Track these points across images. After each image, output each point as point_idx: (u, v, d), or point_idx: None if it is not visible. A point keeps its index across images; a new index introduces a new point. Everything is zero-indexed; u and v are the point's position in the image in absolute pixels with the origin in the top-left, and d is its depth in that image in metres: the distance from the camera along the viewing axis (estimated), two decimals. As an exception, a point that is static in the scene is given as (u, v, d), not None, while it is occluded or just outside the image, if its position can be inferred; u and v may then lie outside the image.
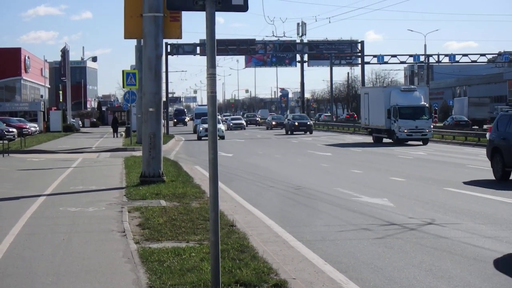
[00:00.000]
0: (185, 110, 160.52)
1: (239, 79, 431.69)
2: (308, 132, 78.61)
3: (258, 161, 36.04)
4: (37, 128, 77.56)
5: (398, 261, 12.20)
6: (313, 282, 10.29)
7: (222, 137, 59.40)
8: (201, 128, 61.91)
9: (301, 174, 28.96)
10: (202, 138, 60.22)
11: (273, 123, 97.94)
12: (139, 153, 30.79)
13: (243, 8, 9.62)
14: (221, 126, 63.32)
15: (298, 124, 78.86)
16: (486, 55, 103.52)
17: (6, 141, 45.12)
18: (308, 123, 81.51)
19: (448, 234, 14.69)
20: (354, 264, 11.88)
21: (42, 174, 27.50)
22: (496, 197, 20.63)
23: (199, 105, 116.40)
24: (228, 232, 13.30)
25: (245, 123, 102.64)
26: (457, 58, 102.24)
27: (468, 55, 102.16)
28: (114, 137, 66.52)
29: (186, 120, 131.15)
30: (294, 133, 77.68)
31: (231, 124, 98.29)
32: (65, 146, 49.31)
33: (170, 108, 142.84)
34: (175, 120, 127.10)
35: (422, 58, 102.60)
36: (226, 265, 10.37)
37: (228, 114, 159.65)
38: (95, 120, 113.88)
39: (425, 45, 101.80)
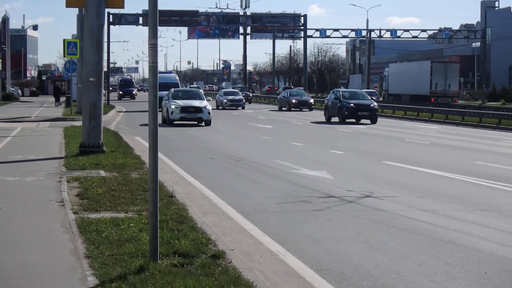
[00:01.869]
0: (133, 80, 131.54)
1: (181, 51, 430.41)
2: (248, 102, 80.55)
3: (200, 133, 35.99)
4: (-25, 96, 76.37)
5: (336, 233, 12.29)
6: (251, 253, 10.31)
7: (208, 122, 42.00)
8: (173, 107, 42.47)
9: (242, 146, 29.03)
10: (175, 123, 42.10)
11: (293, 101, 69.02)
12: (79, 123, 30.49)
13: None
14: (207, 104, 43.33)
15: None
16: (427, 31, 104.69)
17: None
18: (250, 96, 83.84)
19: (386, 207, 14.83)
20: (293, 236, 11.93)
21: (-20, 143, 27.10)
22: (434, 171, 20.89)
23: (160, 72, 74.79)
24: (167, 203, 13.25)
25: (244, 100, 75.25)
26: (399, 33, 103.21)
27: (410, 31, 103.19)
28: (56, 105, 65.90)
29: (134, 92, 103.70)
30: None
31: (225, 101, 71.45)
32: (3, 115, 48.59)
33: (112, 79, 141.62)
34: (121, 93, 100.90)
35: (364, 33, 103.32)
36: (165, 235, 10.34)
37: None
38: (35, 89, 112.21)
39: (367, 20, 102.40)
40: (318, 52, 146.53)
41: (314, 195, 16.24)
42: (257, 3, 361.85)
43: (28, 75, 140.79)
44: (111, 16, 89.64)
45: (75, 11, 54.99)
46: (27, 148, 25.20)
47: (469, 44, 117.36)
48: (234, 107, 71.24)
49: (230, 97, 73.06)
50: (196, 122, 42.39)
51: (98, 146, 22.76)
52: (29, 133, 32.90)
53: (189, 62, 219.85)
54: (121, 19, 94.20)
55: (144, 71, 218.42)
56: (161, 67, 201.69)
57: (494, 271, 9.93)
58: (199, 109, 42.05)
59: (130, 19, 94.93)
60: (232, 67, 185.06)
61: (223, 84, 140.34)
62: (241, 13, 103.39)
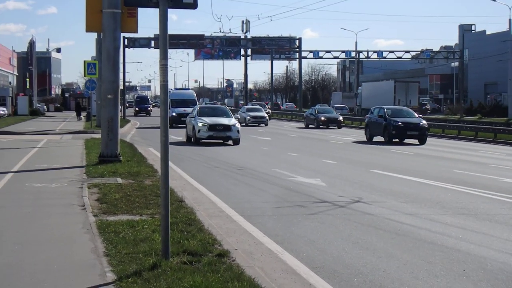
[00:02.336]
0: (148, 97, 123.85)
1: (189, 70, 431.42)
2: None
3: (206, 144, 35.97)
4: (6, 112, 76.51)
5: (329, 234, 12.30)
6: (253, 252, 10.33)
7: (236, 141, 35.84)
8: (200, 124, 35.64)
9: (244, 156, 29.01)
10: (202, 141, 35.89)
11: (322, 118, 60.78)
12: (98, 136, 30.51)
13: (193, 6, 9.59)
14: (235, 122, 37.08)
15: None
16: (410, 52, 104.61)
17: (-24, 123, 44.56)
18: (270, 113, 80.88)
19: (373, 211, 14.84)
20: (290, 237, 11.94)
21: (10, 153, 27.13)
22: (417, 179, 20.90)
23: (176, 89, 72.90)
24: (177, 207, 13.26)
25: (267, 116, 68.67)
26: (385, 54, 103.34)
27: (394, 52, 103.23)
28: (77, 120, 65.96)
29: (149, 108, 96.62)
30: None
31: (248, 117, 64.69)
32: (31, 128, 48.67)
33: (127, 96, 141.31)
34: (137, 109, 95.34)
35: (353, 54, 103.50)
36: (175, 236, 10.36)
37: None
38: (58, 105, 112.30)
39: (356, 42, 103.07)
40: (312, 71, 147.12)
41: (308, 200, 16.26)
42: (256, 27, 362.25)
43: (52, 92, 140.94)
44: (126, 40, 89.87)
45: (94, 35, 54.96)
46: (52, 157, 25.23)
47: (448, 64, 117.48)
48: (257, 124, 63.71)
49: (253, 114, 65.40)
50: (222, 141, 36.07)
51: (115, 156, 22.80)
52: (53, 145, 32.92)
53: (196, 81, 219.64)
54: (135, 43, 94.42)
55: (156, 88, 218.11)
56: (171, 85, 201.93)
57: (472, 269, 9.93)
58: (228, 127, 35.76)
59: (143, 43, 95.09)
60: (235, 85, 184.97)
61: (226, 100, 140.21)
62: (242, 36, 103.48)
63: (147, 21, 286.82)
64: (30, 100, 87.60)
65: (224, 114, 38.18)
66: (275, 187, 18.60)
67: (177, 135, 41.09)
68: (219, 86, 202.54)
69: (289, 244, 11.25)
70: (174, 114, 53.31)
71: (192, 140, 36.30)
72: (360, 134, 46.32)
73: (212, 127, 35.44)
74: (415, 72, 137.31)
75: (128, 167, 20.67)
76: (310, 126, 61.68)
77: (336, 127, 60.14)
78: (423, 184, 19.87)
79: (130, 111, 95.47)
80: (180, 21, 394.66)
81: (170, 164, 10.54)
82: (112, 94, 22.85)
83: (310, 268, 9.65)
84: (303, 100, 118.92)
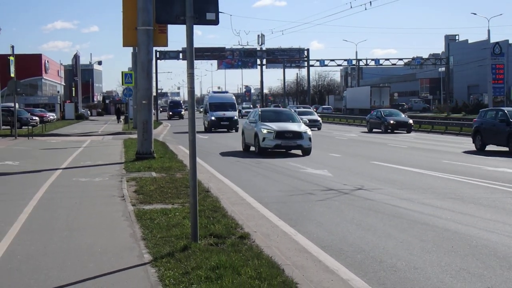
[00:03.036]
0: (181, 101, 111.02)
1: (212, 78, 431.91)
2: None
3: (227, 142, 36.00)
4: (55, 117, 76.92)
5: (335, 218, 12.26)
6: (270, 234, 10.31)
7: (308, 151, 26.77)
8: (265, 131, 26.80)
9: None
10: (269, 150, 26.87)
11: (391, 122, 48.10)
12: (135, 136, 30.58)
13: (215, 22, 9.56)
14: (307, 129, 27.42)
15: (244, 111, 77.32)
16: (403, 59, 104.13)
17: (30, 127, 44.95)
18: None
19: (374, 197, 14.78)
20: (302, 220, 11.91)
21: (59, 153, 27.25)
22: (412, 169, 20.80)
23: (214, 92, 63.06)
24: (204, 197, 13.27)
25: (320, 120, 55.32)
26: (381, 62, 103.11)
27: (389, 60, 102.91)
28: (117, 123, 66.20)
29: (182, 112, 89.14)
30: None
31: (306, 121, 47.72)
32: (77, 131, 48.89)
33: (159, 101, 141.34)
34: (170, 113, 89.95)
35: (354, 62, 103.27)
36: (203, 222, 10.35)
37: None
38: (100, 110, 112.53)
39: (356, 52, 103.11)
40: (319, 77, 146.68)
41: (317, 188, 16.23)
42: (270, 40, 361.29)
43: (95, 99, 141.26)
44: (158, 53, 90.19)
45: (130, 49, 55.02)
46: (95, 156, 25.31)
47: (436, 69, 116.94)
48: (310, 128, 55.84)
49: (306, 117, 50.55)
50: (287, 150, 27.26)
51: (149, 153, 22.86)
52: (96, 144, 33.05)
53: (218, 87, 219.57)
54: (165, 55, 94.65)
55: (184, 95, 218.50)
56: (197, 92, 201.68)
57: (459, 245, 9.87)
58: (298, 135, 26.46)
59: (172, 55, 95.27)
60: (252, 91, 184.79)
61: (243, 104, 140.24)
62: (258, 48, 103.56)
63: (176, 36, 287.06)
64: (75, 106, 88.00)
65: (291, 118, 28.92)
66: (289, 178, 18.57)
67: (228, 144, 40.47)
68: (239, 92, 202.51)
69: (301, 227, 11.22)
70: (213, 118, 48.47)
71: (256, 151, 27.01)
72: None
73: (280, 134, 26.40)
74: (407, 77, 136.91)
75: (161, 163, 20.70)
76: (374, 130, 49.61)
77: (406, 132, 47.76)
78: (416, 173, 19.77)
79: (164, 115, 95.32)
80: (204, 36, 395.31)
81: (197, 159, 10.53)
82: (146, 100, 22.93)
83: (320, 247, 9.62)
84: (312, 102, 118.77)
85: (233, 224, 10.55)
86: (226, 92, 60.24)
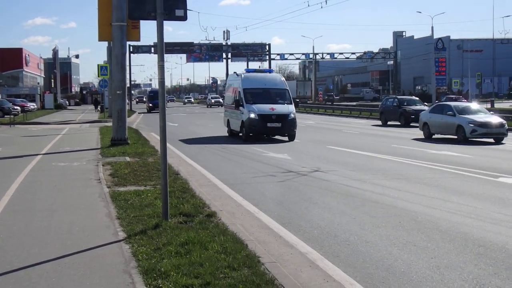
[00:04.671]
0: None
1: (182, 71, 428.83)
2: (221, 106, 78.53)
3: (196, 129, 35.87)
4: (35, 106, 75.65)
5: (294, 197, 12.30)
6: (235, 212, 10.30)
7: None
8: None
9: (221, 137, 28.91)
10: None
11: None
12: (110, 124, 30.26)
13: (184, 18, 9.48)
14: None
15: (214, 101, 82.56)
16: (356, 53, 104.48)
17: (12, 116, 44.25)
18: (220, 100, 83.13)
19: (329, 178, 14.86)
20: (263, 200, 11.93)
21: (39, 139, 26.86)
22: (363, 152, 20.95)
23: (249, 70, 30.00)
24: (174, 179, 13.20)
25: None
26: (336, 55, 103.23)
27: (343, 54, 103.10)
28: (95, 112, 65.44)
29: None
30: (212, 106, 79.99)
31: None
32: (56, 119, 48.21)
33: (133, 91, 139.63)
34: (151, 105, 69.56)
35: (311, 56, 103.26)
36: (173, 202, 10.30)
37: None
38: (78, 100, 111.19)
39: (313, 47, 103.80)
40: (279, 70, 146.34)
41: (278, 171, 16.25)
42: (235, 36, 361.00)
43: (72, 90, 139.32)
44: (131, 47, 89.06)
45: (105, 43, 54.46)
46: (73, 142, 25.01)
47: (385, 62, 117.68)
48: None
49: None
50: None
51: (124, 139, 22.69)
52: (74, 132, 32.64)
53: (187, 79, 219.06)
54: (138, 49, 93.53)
55: (156, 85, 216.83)
56: (167, 83, 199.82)
57: (406, 221, 9.98)
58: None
59: (145, 49, 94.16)
60: (219, 82, 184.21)
61: (208, 94, 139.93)
62: (224, 43, 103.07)
63: (149, 31, 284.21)
64: (55, 97, 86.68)
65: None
66: (252, 161, 18.57)
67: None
68: (206, 83, 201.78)
69: (263, 206, 11.23)
70: (252, 116, 25.85)
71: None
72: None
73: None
74: (359, 69, 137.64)
75: (135, 148, 20.54)
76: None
77: None
78: (367, 156, 19.92)
79: (141, 107, 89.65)
80: (175, 32, 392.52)
81: (168, 145, 10.47)
82: (120, 90, 22.73)
83: (280, 224, 9.65)
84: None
85: (201, 203, 10.52)
86: (270, 71, 30.50)
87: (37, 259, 7.33)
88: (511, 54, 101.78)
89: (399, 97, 41.94)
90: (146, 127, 38.45)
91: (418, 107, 38.57)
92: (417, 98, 43.78)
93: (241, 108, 26.70)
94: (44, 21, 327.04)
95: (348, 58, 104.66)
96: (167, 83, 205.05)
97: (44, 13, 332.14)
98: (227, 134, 29.67)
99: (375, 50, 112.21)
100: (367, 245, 8.42)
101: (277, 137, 27.28)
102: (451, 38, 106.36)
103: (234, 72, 29.99)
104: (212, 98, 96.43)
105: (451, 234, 9.05)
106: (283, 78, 28.74)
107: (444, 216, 10.33)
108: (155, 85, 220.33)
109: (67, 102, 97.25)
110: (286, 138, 26.69)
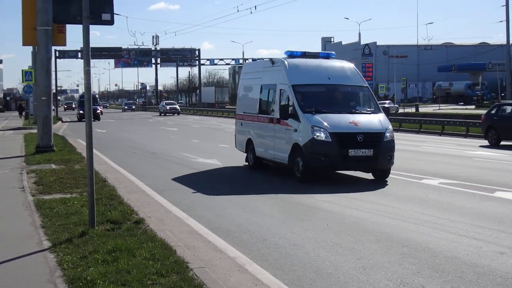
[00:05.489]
0: (97, 96, 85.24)
1: (110, 76, 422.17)
2: (176, 114, 77.69)
3: (125, 135, 35.42)
4: (-44, 114, 73.07)
5: (223, 202, 12.31)
6: (164, 219, 10.22)
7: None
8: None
9: (156, 143, 28.70)
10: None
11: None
12: (35, 131, 29.50)
13: (110, 22, 9.37)
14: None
15: (169, 108, 79.37)
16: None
17: None
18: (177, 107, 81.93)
19: (260, 179, 14.94)
20: (193, 205, 11.89)
21: (-40, 147, 25.91)
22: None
23: (292, 54, 17.13)
24: (102, 186, 12.99)
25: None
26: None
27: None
28: (20, 118, 63.66)
29: (98, 111, 59.07)
30: (167, 114, 77.78)
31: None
32: (-22, 126, 46.64)
33: (59, 97, 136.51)
34: (81, 112, 56.25)
35: (241, 61, 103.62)
36: (100, 209, 10.13)
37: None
38: (1, 107, 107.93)
39: (243, 52, 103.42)
40: (209, 75, 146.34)
41: (207, 175, 16.22)
42: (164, 41, 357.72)
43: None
44: (57, 52, 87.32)
45: (30, 48, 53.13)
46: (-4, 150, 24.25)
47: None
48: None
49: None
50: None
51: (49, 146, 22.18)
52: (-3, 139, 31.65)
53: (116, 85, 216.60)
54: (65, 54, 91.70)
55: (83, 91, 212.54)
56: (95, 88, 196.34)
57: (333, 223, 10.15)
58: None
59: (72, 54, 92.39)
60: (148, 88, 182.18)
61: (137, 100, 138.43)
62: (153, 48, 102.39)
63: (75, 36, 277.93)
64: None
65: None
66: (182, 167, 18.49)
67: None
68: (135, 88, 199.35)
69: (193, 211, 11.20)
70: (321, 136, 14.57)
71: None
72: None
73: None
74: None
75: (61, 155, 20.11)
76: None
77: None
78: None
79: (70, 113, 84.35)
80: (103, 36, 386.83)
81: (96, 151, 10.30)
82: (45, 96, 22.22)
83: (209, 229, 9.64)
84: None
85: (129, 210, 10.39)
86: (329, 54, 18.03)
87: (-44, 271, 7.07)
88: (434, 60, 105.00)
89: None
90: (73, 134, 37.67)
91: None
92: None
93: (290, 121, 15.43)
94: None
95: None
96: (95, 89, 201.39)
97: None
98: (244, 163, 18.87)
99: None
100: (295, 248, 8.51)
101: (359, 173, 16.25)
102: (378, 44, 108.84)
103: (266, 59, 18.81)
104: (166, 104, 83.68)
105: (376, 235, 9.25)
106: (354, 67, 17.26)
107: (371, 218, 10.56)
108: (82, 90, 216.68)
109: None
110: (369, 175, 15.77)
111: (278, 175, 16.34)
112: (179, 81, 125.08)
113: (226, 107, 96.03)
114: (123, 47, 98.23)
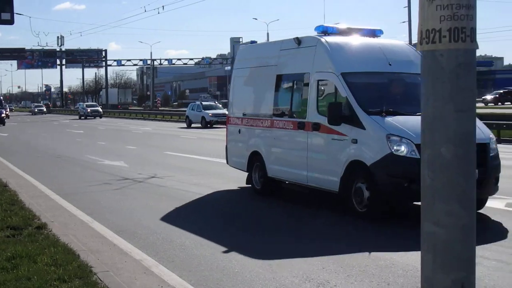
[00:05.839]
0: (1, 99, 73.07)
1: (12, 78, 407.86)
2: (98, 117, 71.40)
3: (29, 138, 34.29)
4: None
5: (131, 204, 12.14)
6: (68, 223, 9.95)
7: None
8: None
9: (61, 146, 27.94)
10: None
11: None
12: None
13: (11, 22, 9.10)
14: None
15: (90, 110, 72.32)
16: (194, 59, 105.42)
17: None
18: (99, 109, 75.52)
19: (166, 183, 14.85)
20: (99, 209, 11.65)
21: None
22: (201, 157, 21.13)
23: (322, 28, 11.91)
24: (2, 191, 12.49)
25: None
26: (174, 61, 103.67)
27: (181, 59, 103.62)
28: None
29: (3, 115, 54.49)
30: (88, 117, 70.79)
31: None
32: None
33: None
34: None
35: (149, 62, 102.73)
36: (0, 215, 9.76)
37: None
38: None
39: (151, 53, 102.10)
40: (116, 76, 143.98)
41: (114, 178, 15.97)
42: (70, 41, 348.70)
43: None
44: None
45: None
46: None
47: (223, 68, 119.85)
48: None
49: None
50: None
51: None
52: None
53: (19, 87, 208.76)
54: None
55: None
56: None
57: (245, 223, 10.19)
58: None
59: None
60: (53, 89, 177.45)
61: (41, 102, 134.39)
62: (58, 49, 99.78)
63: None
64: None
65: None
66: (88, 170, 18.09)
67: None
68: (40, 90, 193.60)
69: (98, 215, 10.96)
70: (404, 150, 9.64)
71: None
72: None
73: None
74: (197, 75, 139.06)
75: (-41, 161, 19.22)
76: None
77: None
78: (204, 160, 20.12)
79: None
80: (4, 37, 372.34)
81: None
82: None
83: (115, 232, 9.46)
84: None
85: (31, 215, 10.04)
86: (376, 31, 12.50)
87: None
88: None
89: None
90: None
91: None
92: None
93: (344, 127, 10.59)
94: None
95: (186, 64, 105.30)
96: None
97: None
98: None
99: (213, 56, 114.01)
100: (202, 248, 8.50)
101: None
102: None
103: (286, 39, 12.77)
104: (87, 106, 75.48)
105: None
106: (415, 49, 11.77)
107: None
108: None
109: None
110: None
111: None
112: (85, 83, 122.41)
113: (130, 108, 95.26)
114: (27, 48, 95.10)
